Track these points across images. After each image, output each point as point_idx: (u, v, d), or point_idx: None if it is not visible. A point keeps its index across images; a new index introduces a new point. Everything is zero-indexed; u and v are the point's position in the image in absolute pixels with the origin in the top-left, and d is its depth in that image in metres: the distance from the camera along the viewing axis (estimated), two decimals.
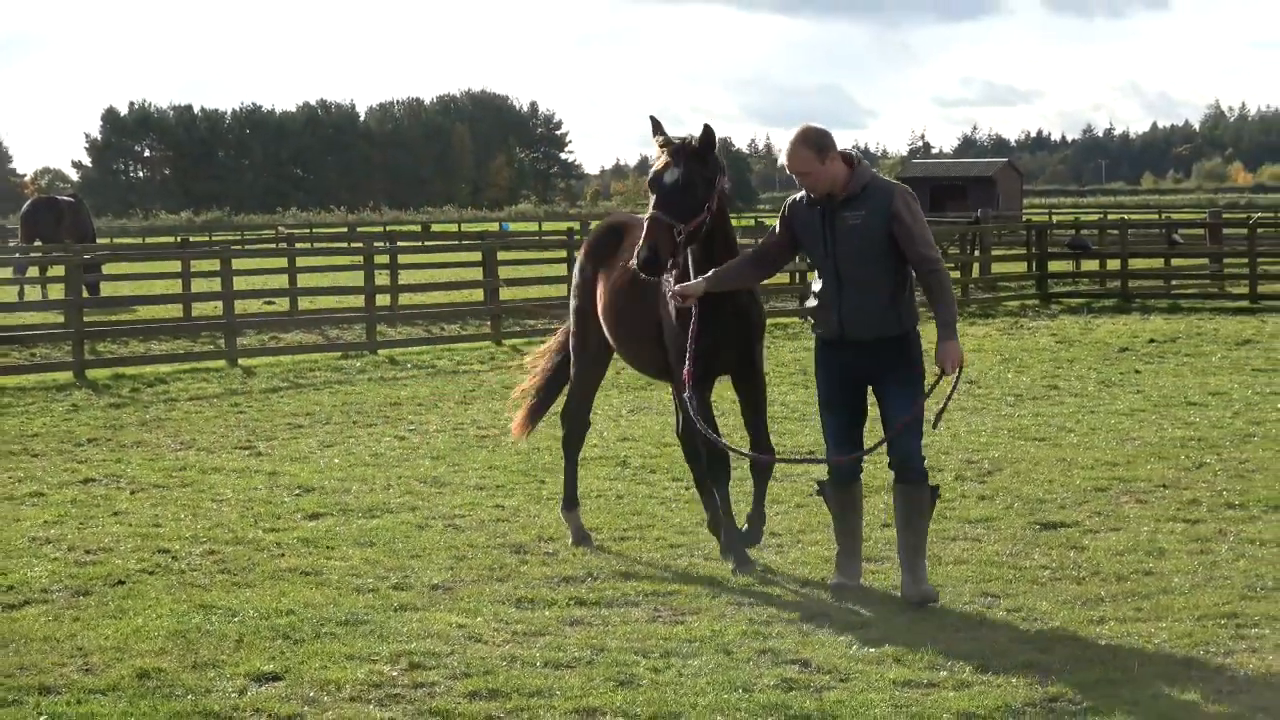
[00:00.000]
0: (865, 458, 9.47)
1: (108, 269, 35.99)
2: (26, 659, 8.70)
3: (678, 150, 9.35)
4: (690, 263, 9.47)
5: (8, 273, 35.33)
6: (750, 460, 10.59)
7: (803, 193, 8.82)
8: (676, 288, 9.30)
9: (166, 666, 8.51)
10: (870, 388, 9.14)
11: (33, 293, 34.44)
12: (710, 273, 9.14)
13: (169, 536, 11.88)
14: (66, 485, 14.19)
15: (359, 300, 28.69)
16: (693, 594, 9.73)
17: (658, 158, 9.48)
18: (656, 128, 9.55)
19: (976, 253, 40.00)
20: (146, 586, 10.32)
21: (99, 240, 43.32)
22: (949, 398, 9.22)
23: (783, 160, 9.12)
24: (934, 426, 9.86)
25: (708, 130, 9.37)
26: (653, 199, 9.31)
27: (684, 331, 9.64)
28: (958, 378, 8.98)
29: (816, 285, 8.92)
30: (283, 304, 29.92)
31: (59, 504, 13.30)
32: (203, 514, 12.76)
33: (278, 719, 7.68)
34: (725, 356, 10.04)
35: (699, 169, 9.28)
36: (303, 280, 31.89)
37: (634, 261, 9.22)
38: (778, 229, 9.07)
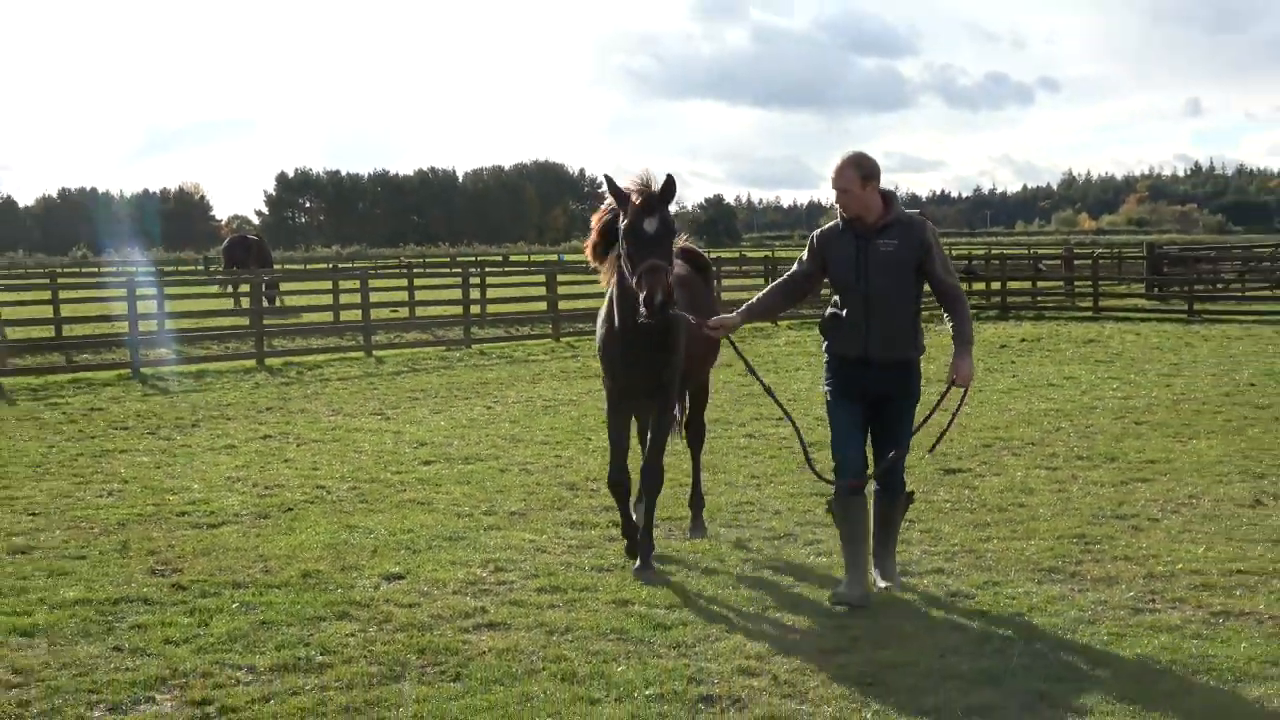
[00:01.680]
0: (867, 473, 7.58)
1: (281, 287, 36.36)
2: (223, 563, 8.76)
3: (651, 201, 7.48)
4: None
5: (214, 289, 35.97)
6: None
7: (830, 225, 7.42)
8: (711, 321, 7.63)
9: (323, 569, 8.57)
10: (872, 406, 7.42)
11: (230, 303, 34.91)
12: (744, 307, 7.63)
13: (324, 477, 11.93)
14: (251, 440, 14.26)
15: (458, 309, 28.77)
16: (715, 492, 9.74)
17: (625, 207, 7.56)
18: (610, 183, 7.72)
19: None
20: (308, 512, 10.37)
21: (275, 266, 43.44)
22: (955, 413, 7.69)
23: (830, 174, 7.22)
24: (929, 451, 8.53)
25: (669, 179, 7.53)
26: (636, 246, 7.42)
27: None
28: (965, 393, 7.51)
29: (838, 310, 7.32)
30: (404, 312, 29.97)
31: (246, 454, 13.36)
32: (348, 461, 12.81)
33: (401, 606, 7.71)
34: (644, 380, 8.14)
35: (668, 214, 7.54)
36: (418, 295, 32.11)
37: (643, 311, 7.29)
38: (805, 259, 7.45)
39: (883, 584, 7.43)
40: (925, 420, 7.51)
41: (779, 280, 7.65)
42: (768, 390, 7.99)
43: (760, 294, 7.71)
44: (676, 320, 7.65)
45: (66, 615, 7.60)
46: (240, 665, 6.74)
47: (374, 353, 25.02)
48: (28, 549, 9.24)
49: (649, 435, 8.51)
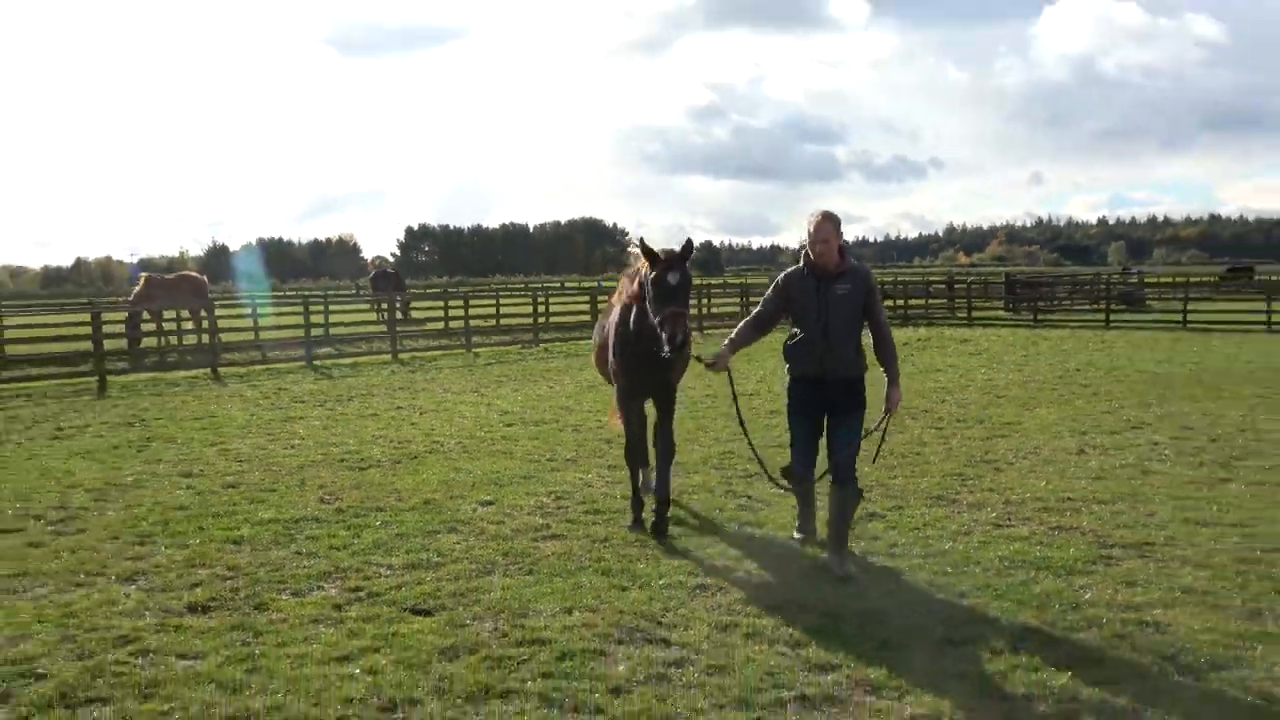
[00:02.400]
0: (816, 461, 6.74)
1: (410, 304, 36.38)
2: (369, 494, 8.76)
3: (675, 258, 6.74)
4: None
5: (364, 306, 35.88)
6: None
7: (794, 268, 6.55)
8: (706, 357, 6.88)
9: (437, 498, 8.57)
10: (826, 414, 6.58)
11: (371, 315, 35.02)
12: (727, 342, 6.73)
13: (438, 435, 11.93)
14: (388, 410, 14.27)
15: (529, 320, 28.75)
16: (693, 466, 9.71)
17: (655, 263, 6.76)
18: (643, 245, 6.87)
19: None
20: (427, 459, 10.37)
21: (407, 290, 43.59)
22: (884, 431, 6.91)
23: (810, 224, 6.40)
24: (872, 461, 7.59)
25: (689, 243, 6.82)
26: (661, 294, 6.66)
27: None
28: (890, 414, 6.68)
29: (800, 338, 6.48)
30: (491, 320, 29.98)
31: (384, 419, 13.37)
32: (454, 424, 12.81)
33: (491, 523, 7.71)
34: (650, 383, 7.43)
35: (686, 270, 6.74)
36: (502, 309, 32.05)
37: (666, 348, 6.57)
38: (772, 298, 6.59)
39: (838, 575, 6.31)
40: (867, 435, 6.65)
41: (751, 318, 6.75)
42: (739, 419, 7.22)
43: (737, 330, 6.80)
44: (689, 356, 6.97)
45: (262, 530, 7.65)
46: (381, 563, 6.77)
47: (472, 349, 25.05)
48: (236, 484, 9.30)
49: (658, 416, 7.58)
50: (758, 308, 6.73)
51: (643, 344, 7.06)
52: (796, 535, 7.08)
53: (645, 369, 7.24)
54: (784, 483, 7.05)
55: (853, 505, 6.55)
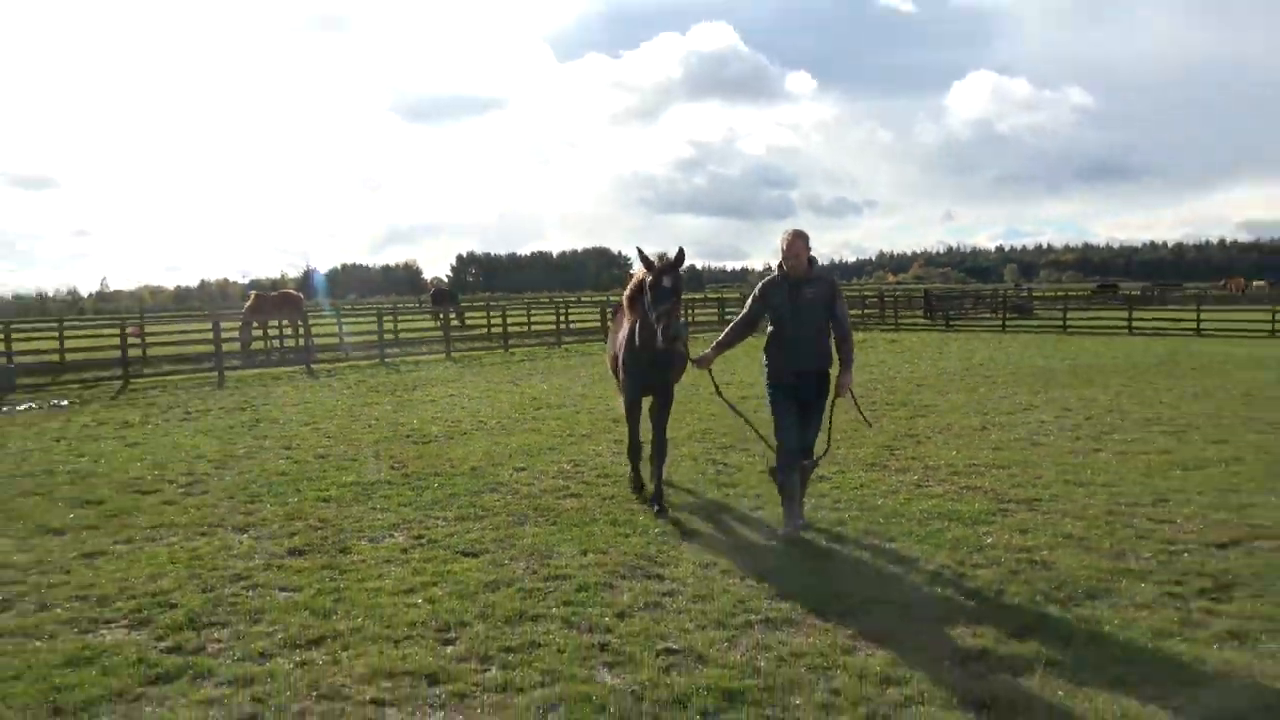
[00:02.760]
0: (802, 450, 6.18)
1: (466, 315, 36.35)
2: (429, 463, 8.71)
3: (668, 265, 6.33)
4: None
5: (425, 317, 35.86)
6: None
7: (771, 276, 6.18)
8: (695, 357, 6.51)
9: (482, 465, 8.53)
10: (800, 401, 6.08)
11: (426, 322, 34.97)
12: (714, 345, 6.39)
13: (481, 415, 11.87)
14: (443, 397, 14.22)
15: (552, 326, 28.69)
16: (680, 440, 9.68)
17: (651, 270, 6.35)
18: (640, 254, 6.42)
19: None
20: (473, 434, 10.33)
21: (461, 305, 43.54)
22: (830, 414, 6.38)
23: (783, 241, 6.09)
24: (828, 443, 6.56)
25: (681, 251, 6.32)
26: (656, 296, 6.25)
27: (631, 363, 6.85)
28: (854, 395, 6.36)
29: (777, 337, 6.11)
30: (524, 327, 29.89)
31: (440, 404, 13.31)
32: (495, 407, 12.75)
33: (524, 485, 7.67)
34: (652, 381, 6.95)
35: (679, 276, 6.34)
36: (532, 318, 31.87)
37: (660, 337, 6.21)
38: (754, 304, 6.21)
39: (796, 528, 6.03)
40: (824, 419, 6.28)
41: (736, 322, 6.36)
42: (731, 406, 6.91)
43: (724, 333, 6.41)
44: (684, 354, 6.67)
45: (346, 490, 7.63)
46: (438, 516, 6.76)
47: (508, 349, 24.98)
48: (325, 455, 9.27)
49: (655, 417, 7.04)
50: (742, 312, 6.37)
51: (645, 349, 6.68)
52: (783, 535, 6.03)
53: (648, 370, 6.89)
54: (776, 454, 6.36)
55: (809, 473, 6.28)
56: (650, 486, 7.03)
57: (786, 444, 6.07)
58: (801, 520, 6.12)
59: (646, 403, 7.23)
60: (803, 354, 6.05)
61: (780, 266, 6.16)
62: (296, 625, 4.72)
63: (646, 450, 7.24)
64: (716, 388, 7.09)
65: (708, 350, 6.46)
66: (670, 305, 6.25)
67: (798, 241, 6.06)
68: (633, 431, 7.29)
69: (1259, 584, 5.04)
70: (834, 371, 6.08)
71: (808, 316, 6.03)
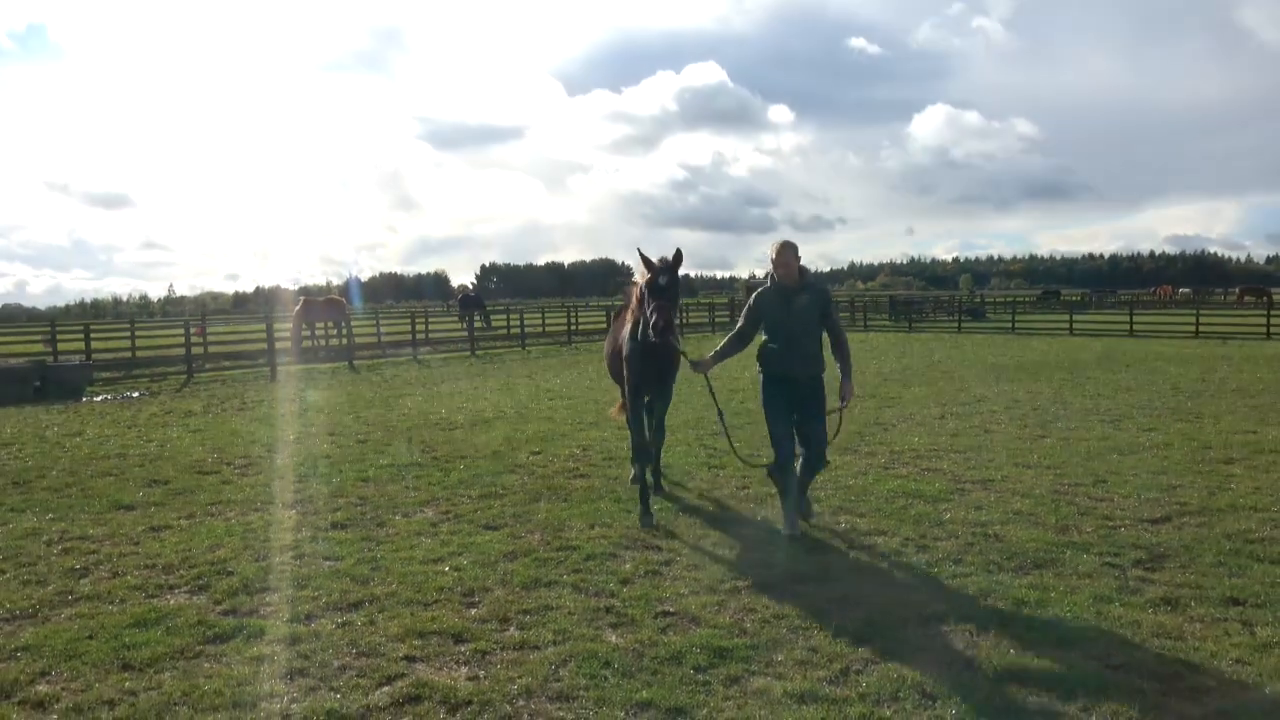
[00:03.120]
0: (797, 450, 5.60)
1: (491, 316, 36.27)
2: (455, 447, 8.66)
3: (666, 265, 5.73)
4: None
5: (452, 319, 35.81)
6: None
7: (764, 287, 5.70)
8: (693, 360, 5.86)
9: (502, 449, 8.50)
10: (796, 408, 5.56)
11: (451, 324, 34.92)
12: (713, 353, 5.80)
13: (501, 406, 11.85)
14: (468, 390, 14.21)
15: (564, 327, 28.65)
16: (674, 428, 9.63)
17: (650, 271, 5.76)
18: (641, 254, 5.78)
19: None
20: (494, 423, 10.30)
21: (486, 308, 43.46)
22: (841, 418, 5.81)
23: (772, 251, 5.63)
24: (832, 439, 5.78)
25: (679, 252, 5.73)
26: (653, 293, 5.73)
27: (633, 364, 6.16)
28: (845, 405, 5.68)
29: (771, 344, 5.61)
30: (539, 328, 29.87)
31: (465, 395, 13.27)
32: (513, 399, 12.72)
33: (539, 467, 7.62)
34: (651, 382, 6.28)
35: (676, 275, 5.75)
36: (547, 320, 31.85)
37: (653, 332, 5.68)
38: (747, 316, 5.73)
39: (801, 520, 5.63)
40: (830, 414, 5.70)
41: (732, 334, 5.77)
42: (720, 417, 6.16)
43: (722, 343, 5.79)
44: (675, 345, 6.02)
45: (382, 471, 7.60)
46: (464, 494, 6.72)
47: (526, 348, 24.93)
48: (364, 440, 9.24)
49: (654, 410, 6.56)
50: (738, 325, 5.88)
51: (646, 345, 6.15)
52: (786, 534, 5.50)
53: (648, 366, 6.35)
54: (757, 462, 5.96)
55: (814, 473, 5.70)
56: (652, 492, 6.45)
57: (778, 450, 5.56)
58: (804, 517, 5.70)
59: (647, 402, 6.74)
60: (796, 360, 5.58)
61: (771, 276, 5.74)
62: (338, 591, 4.69)
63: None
64: (712, 393, 6.60)
65: (707, 356, 5.98)
66: (663, 303, 5.75)
67: (786, 252, 5.65)
68: (635, 431, 6.41)
69: (1187, 555, 5.01)
70: (827, 376, 5.58)
71: (800, 324, 5.58)
